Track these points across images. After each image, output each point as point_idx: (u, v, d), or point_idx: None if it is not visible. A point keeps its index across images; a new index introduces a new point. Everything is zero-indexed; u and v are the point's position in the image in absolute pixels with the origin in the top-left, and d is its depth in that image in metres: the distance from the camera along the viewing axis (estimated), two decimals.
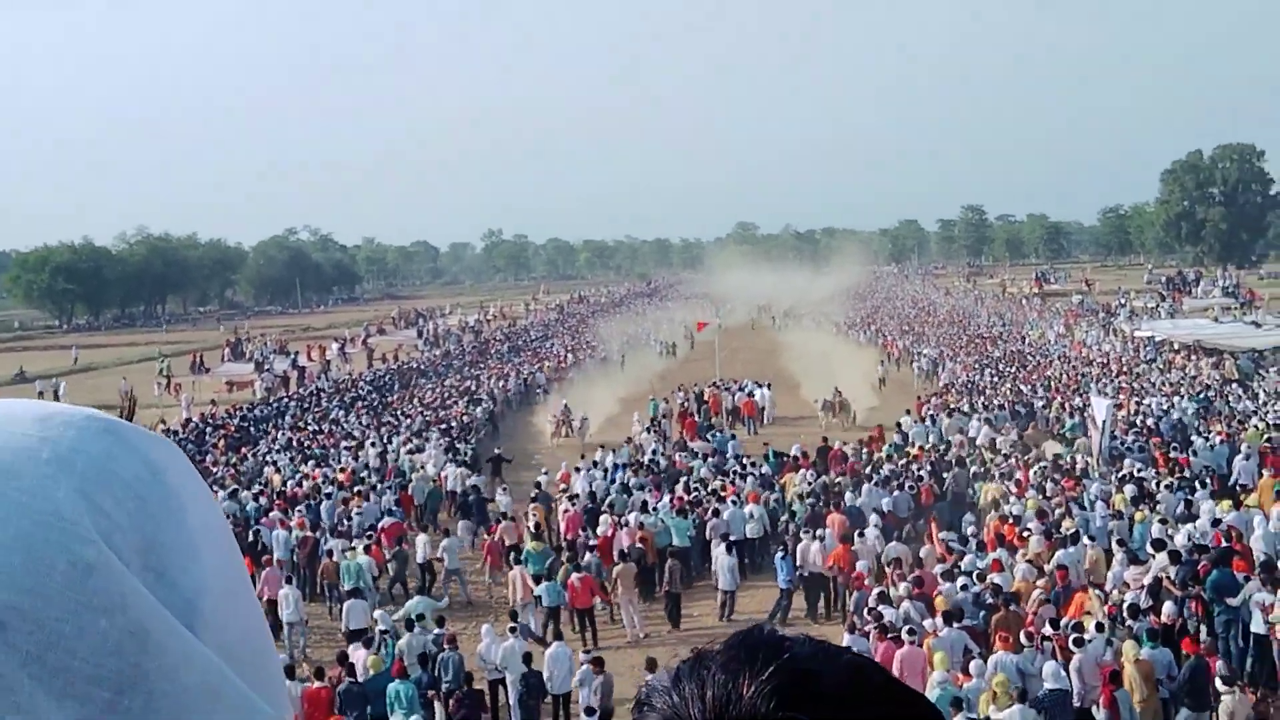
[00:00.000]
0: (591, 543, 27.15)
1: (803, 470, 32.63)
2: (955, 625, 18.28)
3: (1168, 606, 18.95)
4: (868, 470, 33.11)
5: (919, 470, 32.21)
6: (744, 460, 35.24)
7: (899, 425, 40.61)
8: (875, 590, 21.10)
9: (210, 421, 49.50)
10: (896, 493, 29.46)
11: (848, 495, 29.64)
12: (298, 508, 30.54)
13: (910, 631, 17.88)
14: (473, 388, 58.63)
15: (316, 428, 47.39)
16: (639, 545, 26.15)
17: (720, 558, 25.34)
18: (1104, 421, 30.91)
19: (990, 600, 19.80)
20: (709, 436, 41.00)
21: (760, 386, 51.58)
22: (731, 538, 26.41)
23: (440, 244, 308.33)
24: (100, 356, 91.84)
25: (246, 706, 0.83)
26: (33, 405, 0.87)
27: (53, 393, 66.78)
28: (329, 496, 31.62)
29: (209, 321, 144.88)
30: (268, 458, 40.12)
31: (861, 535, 25.38)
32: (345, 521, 29.31)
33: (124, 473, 0.82)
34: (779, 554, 25.37)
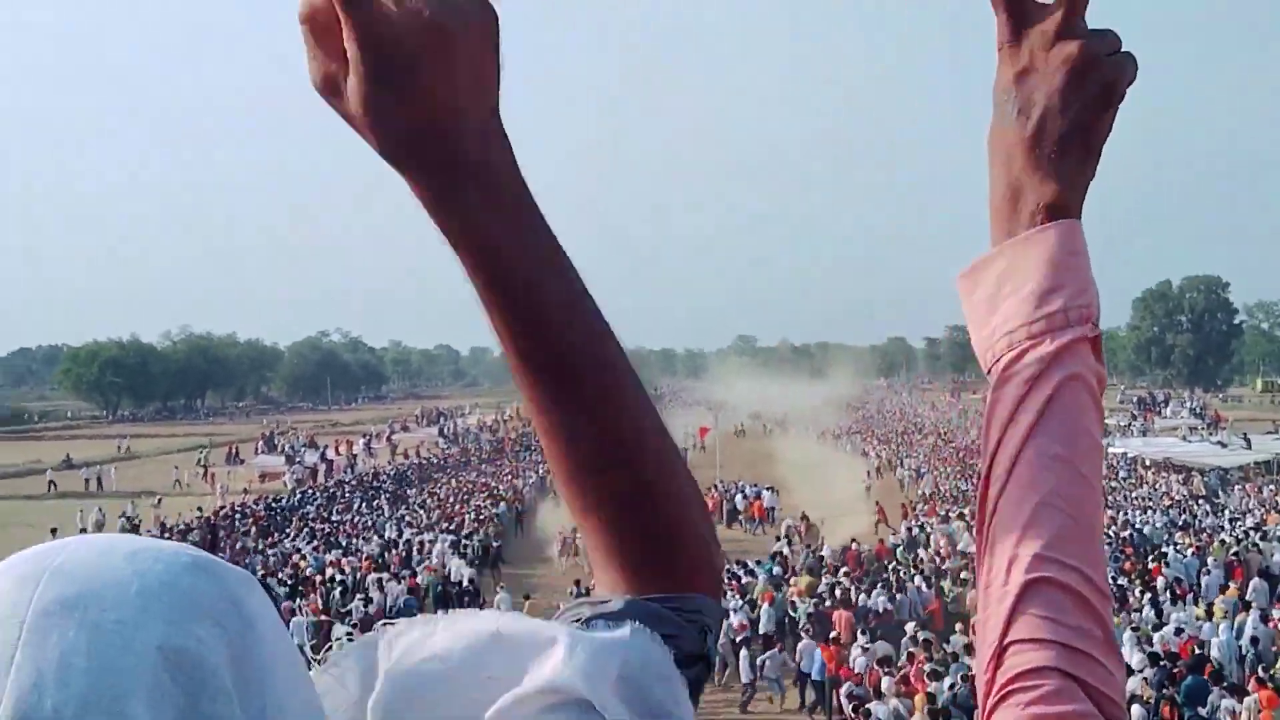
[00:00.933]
0: None
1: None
2: None
3: (1136, 710, 18.62)
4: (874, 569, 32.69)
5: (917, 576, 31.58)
6: (747, 561, 34.79)
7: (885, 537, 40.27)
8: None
9: (242, 510, 49.45)
10: (899, 595, 28.98)
11: (860, 597, 29.06)
12: (314, 594, 30.29)
13: None
14: (492, 484, 58.48)
15: (340, 518, 47.27)
16: None
17: (743, 654, 25.00)
18: None
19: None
20: None
21: (768, 490, 51.34)
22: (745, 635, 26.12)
23: (461, 348, 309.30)
24: (143, 446, 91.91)
25: None
26: (126, 541, 0.87)
27: (96, 479, 66.76)
28: (343, 585, 31.28)
29: (245, 416, 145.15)
30: (294, 544, 40.01)
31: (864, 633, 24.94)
32: (364, 608, 29.01)
33: (206, 603, 0.82)
34: (775, 650, 25.04)
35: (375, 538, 40.97)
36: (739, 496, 51.54)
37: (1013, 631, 1.05)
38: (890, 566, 33.16)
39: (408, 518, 47.18)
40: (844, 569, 33.11)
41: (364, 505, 51.94)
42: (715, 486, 54.33)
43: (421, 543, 39.22)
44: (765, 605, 27.95)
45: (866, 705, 19.27)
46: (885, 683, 20.58)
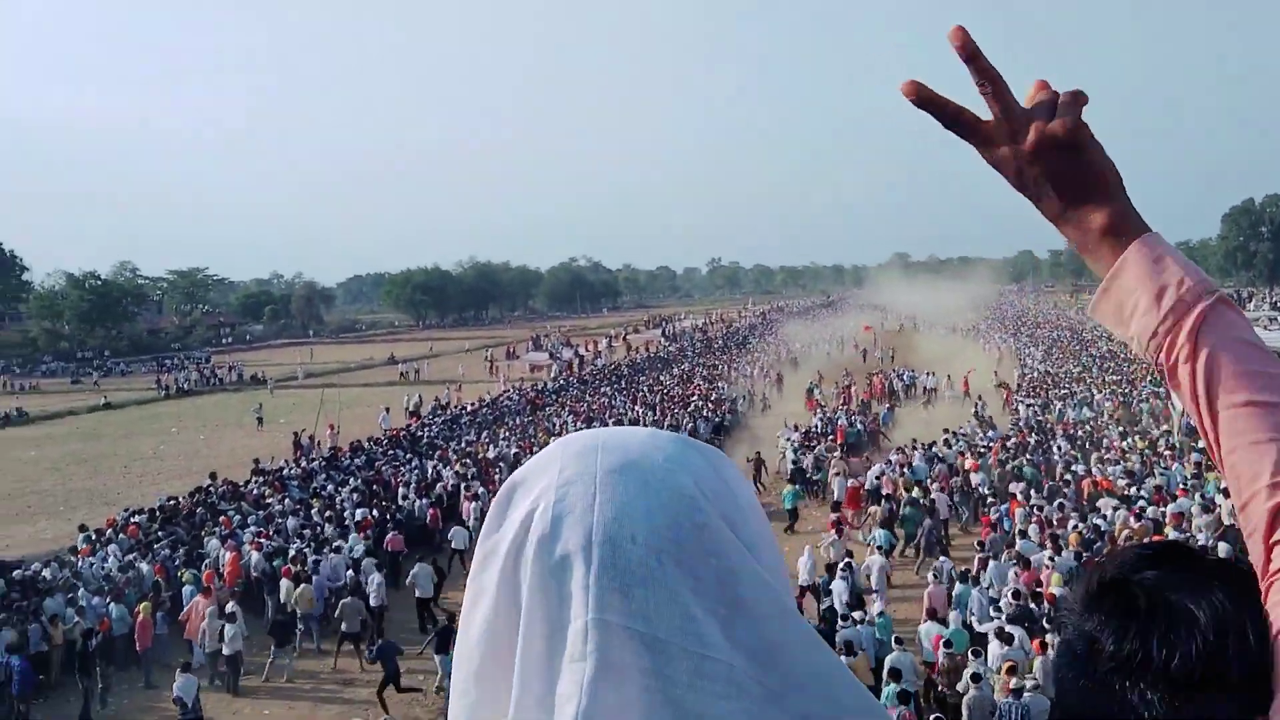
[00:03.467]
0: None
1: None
2: None
3: (1223, 546, 17.81)
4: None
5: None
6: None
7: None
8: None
9: (519, 392, 51.09)
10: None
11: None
12: None
13: None
14: (719, 369, 59.24)
15: (591, 399, 48.38)
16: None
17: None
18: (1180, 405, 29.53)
19: None
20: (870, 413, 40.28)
21: (928, 374, 50.23)
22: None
23: (677, 268, 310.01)
24: (444, 347, 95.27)
25: (801, 623, 0.91)
26: (642, 429, 1.00)
27: (414, 371, 69.60)
28: None
29: (517, 323, 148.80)
30: (561, 418, 41.28)
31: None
32: None
33: (702, 465, 0.94)
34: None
35: (618, 414, 41.84)
36: (898, 380, 50.87)
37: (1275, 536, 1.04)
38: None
39: (648, 399, 47.82)
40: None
41: (608, 389, 52.97)
42: (881, 372, 53.77)
43: (665, 416, 40.03)
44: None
45: None
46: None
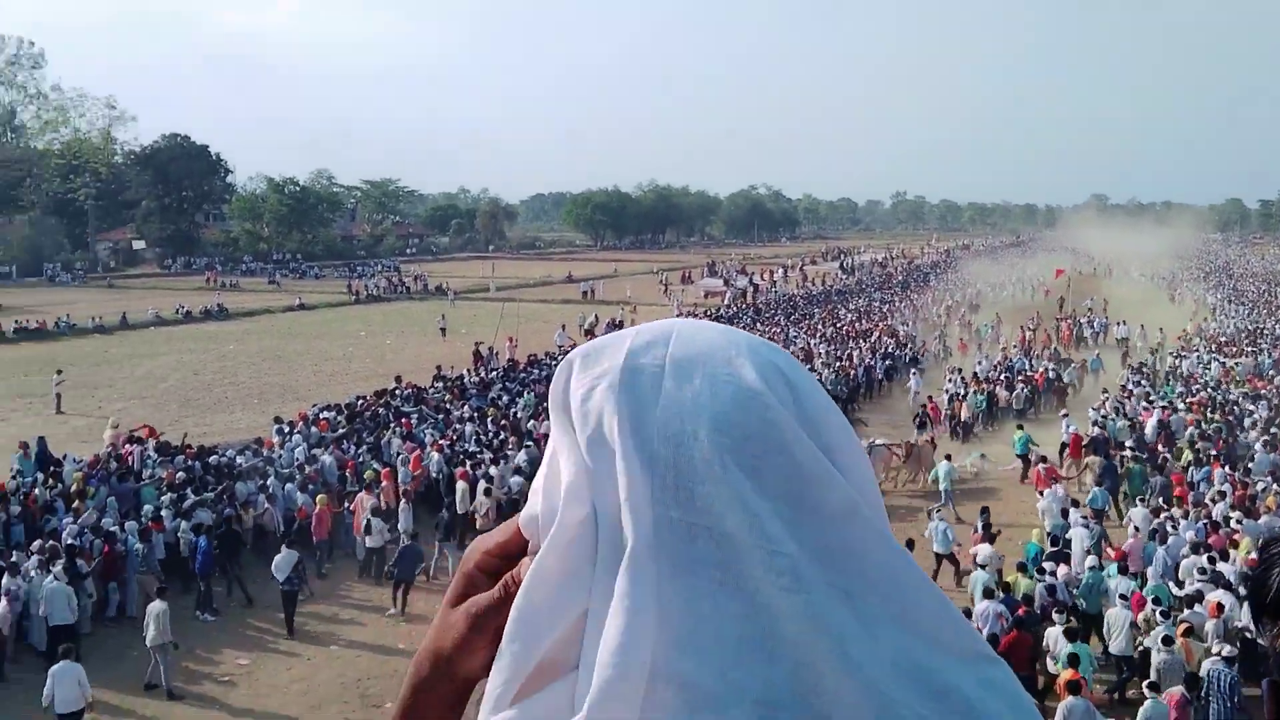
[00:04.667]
0: None
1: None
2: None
3: None
4: None
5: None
6: None
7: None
8: None
9: (691, 317, 51.09)
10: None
11: None
12: None
13: None
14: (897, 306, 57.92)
15: (765, 329, 47.95)
16: None
17: None
18: None
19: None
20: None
21: (1120, 324, 47.67)
22: None
23: (859, 200, 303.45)
24: (620, 268, 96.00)
25: (876, 525, 0.87)
26: (712, 324, 0.95)
27: (590, 290, 70.41)
28: None
29: (693, 249, 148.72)
30: None
31: None
32: None
33: (778, 365, 0.90)
34: None
35: (791, 346, 41.36)
36: (1088, 327, 48.64)
37: None
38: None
39: (822, 331, 47.19)
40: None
41: (782, 319, 52.46)
42: (1070, 317, 51.53)
43: (844, 349, 39.47)
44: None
45: None
46: None
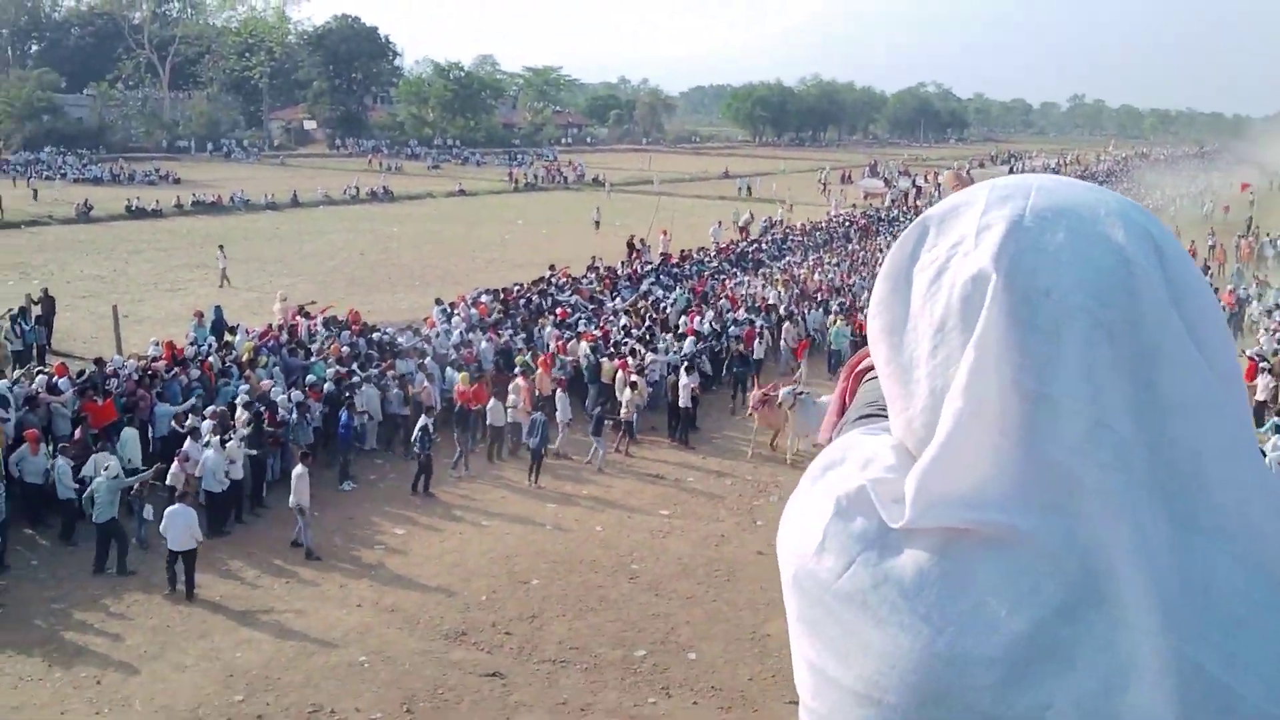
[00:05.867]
0: None
1: None
2: None
3: None
4: None
5: None
6: None
7: None
8: None
9: (849, 220, 50.20)
10: None
11: None
12: None
13: None
14: None
15: None
16: None
17: None
18: None
19: None
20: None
21: None
22: None
23: (1034, 102, 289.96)
24: (776, 165, 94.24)
25: (1241, 436, 0.82)
26: (1075, 180, 0.91)
27: (747, 188, 69.50)
28: None
29: (855, 147, 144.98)
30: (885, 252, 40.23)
31: None
32: None
33: (1149, 231, 0.85)
34: None
35: None
36: (1270, 247, 45.64)
37: None
38: None
39: None
40: None
41: None
42: (1252, 235, 48.47)
43: None
44: None
45: None
46: None
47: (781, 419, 18.81)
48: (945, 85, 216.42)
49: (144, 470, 15.80)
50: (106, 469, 14.61)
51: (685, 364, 21.09)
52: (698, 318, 26.01)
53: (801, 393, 18.67)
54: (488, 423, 19.26)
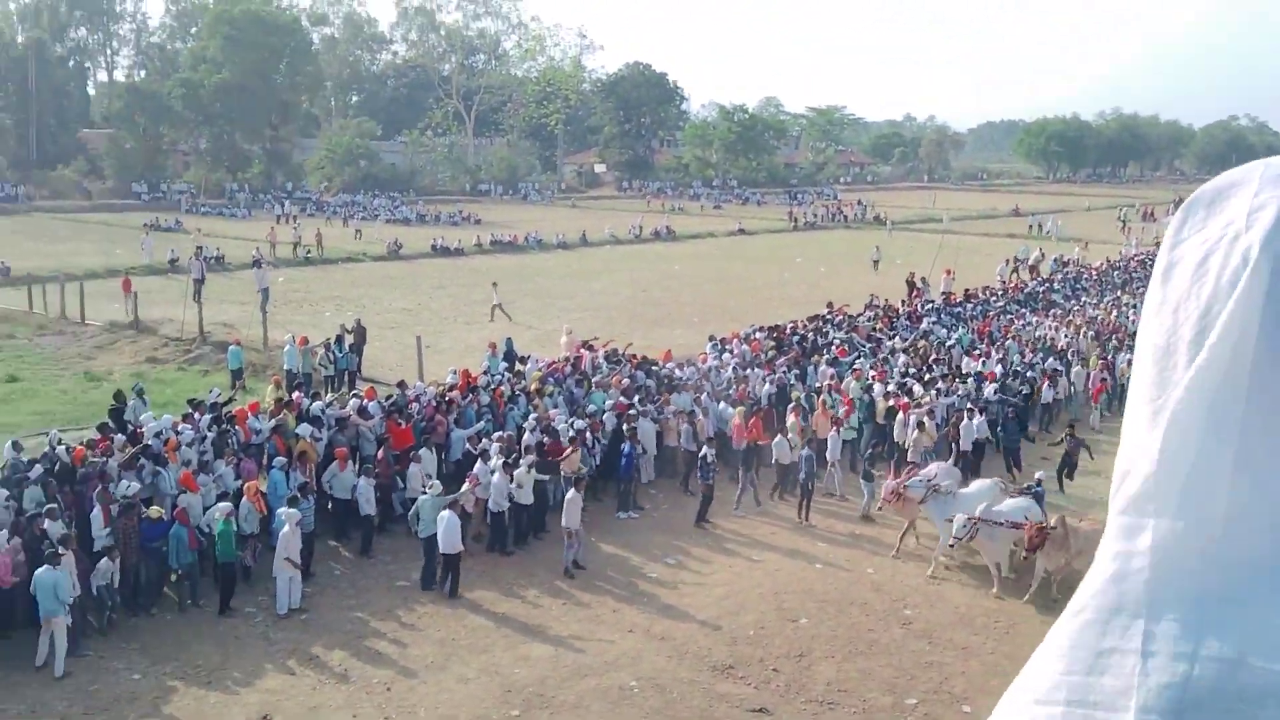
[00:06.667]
0: None
1: None
2: None
3: None
4: None
5: None
6: None
7: None
8: None
9: (1151, 260, 46.88)
10: None
11: None
12: None
13: None
14: None
15: None
16: None
17: None
18: None
19: None
20: None
21: None
22: None
23: None
24: (1072, 203, 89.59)
25: None
26: None
27: (1038, 225, 66.55)
28: None
29: (1159, 183, 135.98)
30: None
31: None
32: None
33: None
34: None
35: None
36: None
37: None
38: None
39: None
40: None
41: None
42: None
43: None
44: None
45: None
46: None
47: (914, 512, 17.13)
48: (1260, 118, 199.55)
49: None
50: (430, 486, 15.68)
51: (973, 407, 20.31)
52: (983, 360, 25.03)
53: (935, 485, 16.95)
54: (774, 459, 19.19)
